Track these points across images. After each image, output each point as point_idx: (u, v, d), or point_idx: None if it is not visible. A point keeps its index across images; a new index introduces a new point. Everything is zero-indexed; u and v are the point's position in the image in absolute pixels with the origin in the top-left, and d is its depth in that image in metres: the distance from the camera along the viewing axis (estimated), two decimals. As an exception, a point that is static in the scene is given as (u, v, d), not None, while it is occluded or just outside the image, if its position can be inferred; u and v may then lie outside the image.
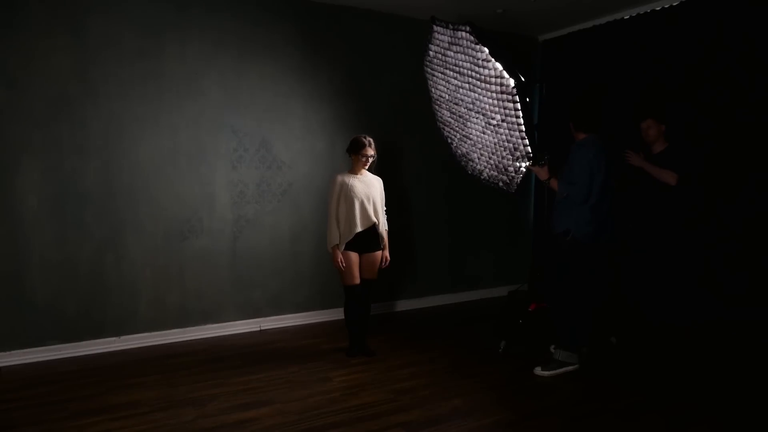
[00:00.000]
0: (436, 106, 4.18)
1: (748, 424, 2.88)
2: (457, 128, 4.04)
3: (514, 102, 3.40)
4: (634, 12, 4.55)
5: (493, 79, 3.45)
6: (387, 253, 3.86)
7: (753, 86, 3.74)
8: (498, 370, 3.58)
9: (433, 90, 4.12)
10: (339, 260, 3.66)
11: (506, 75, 3.39)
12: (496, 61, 3.40)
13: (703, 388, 3.28)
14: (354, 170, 3.76)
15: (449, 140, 4.23)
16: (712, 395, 3.18)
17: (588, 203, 3.41)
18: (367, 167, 3.75)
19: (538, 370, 3.51)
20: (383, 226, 3.82)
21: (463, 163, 4.22)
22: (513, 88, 3.36)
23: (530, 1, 4.45)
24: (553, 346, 3.85)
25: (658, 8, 4.33)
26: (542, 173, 3.65)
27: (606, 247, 3.54)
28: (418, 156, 5.07)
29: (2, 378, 3.46)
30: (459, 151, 4.17)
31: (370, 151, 3.69)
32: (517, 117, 3.44)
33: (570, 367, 3.52)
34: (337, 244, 3.67)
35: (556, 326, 3.62)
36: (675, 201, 3.74)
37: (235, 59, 4.22)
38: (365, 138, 3.72)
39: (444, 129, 4.22)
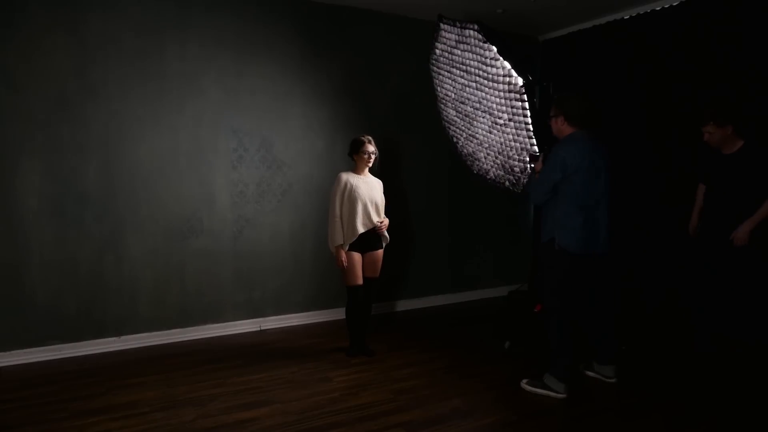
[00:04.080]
0: (442, 105, 4.17)
1: (748, 424, 2.88)
2: (463, 127, 4.03)
3: (522, 101, 3.38)
4: (634, 12, 4.55)
5: (500, 78, 3.45)
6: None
7: (754, 84, 3.74)
8: (498, 370, 3.57)
9: (438, 88, 4.11)
10: (343, 260, 3.65)
11: (514, 74, 3.38)
12: (504, 60, 3.38)
13: (704, 388, 3.27)
14: (357, 171, 3.76)
15: (455, 139, 4.22)
16: (712, 395, 3.18)
17: (540, 203, 3.17)
18: (370, 165, 3.75)
19: (523, 383, 3.29)
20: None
21: (468, 162, 4.21)
22: (521, 87, 3.35)
23: (530, 1, 4.45)
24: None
25: (658, 8, 4.33)
26: (538, 166, 3.43)
27: (600, 258, 3.23)
28: (419, 156, 5.07)
29: (2, 378, 3.46)
30: (465, 150, 4.16)
31: (371, 148, 3.70)
32: (525, 116, 3.42)
33: (553, 394, 3.16)
34: (342, 244, 3.66)
35: (550, 345, 3.27)
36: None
37: (235, 59, 4.22)
38: (364, 136, 3.74)
39: (449, 128, 4.21)
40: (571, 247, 3.12)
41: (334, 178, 3.77)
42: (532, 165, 3.54)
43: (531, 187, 3.26)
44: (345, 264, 3.65)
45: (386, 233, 3.82)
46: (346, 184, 3.67)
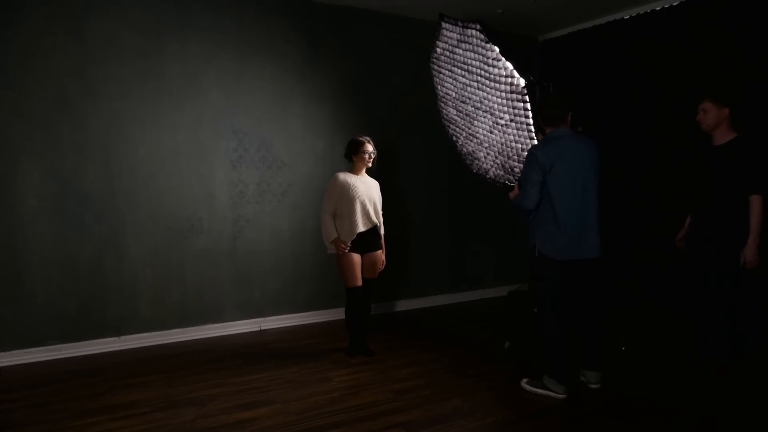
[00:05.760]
0: (442, 104, 4.17)
1: (748, 425, 2.88)
2: (464, 126, 4.03)
3: (524, 102, 3.38)
4: (634, 12, 4.56)
5: (502, 78, 3.45)
6: (384, 256, 3.86)
7: (755, 84, 3.74)
8: (498, 370, 3.57)
9: (439, 87, 4.10)
10: (343, 247, 3.61)
11: (517, 74, 3.38)
12: (507, 60, 3.38)
13: (704, 388, 3.27)
14: (355, 171, 3.76)
15: (454, 138, 4.22)
16: (713, 396, 3.18)
17: (535, 208, 3.02)
18: (370, 165, 3.75)
19: (523, 382, 3.28)
20: (381, 229, 3.83)
21: (468, 161, 4.20)
22: (523, 87, 3.35)
23: (530, 1, 4.45)
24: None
25: (658, 8, 4.33)
26: (514, 194, 3.38)
27: (589, 263, 3.11)
28: (419, 156, 5.07)
29: (2, 378, 3.46)
30: (464, 150, 4.15)
31: (370, 147, 3.71)
32: (527, 117, 3.42)
33: (553, 395, 3.13)
34: (337, 237, 3.64)
35: (545, 347, 3.21)
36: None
37: (235, 59, 4.22)
38: (362, 136, 3.74)
39: (449, 127, 4.21)
40: (552, 253, 3.04)
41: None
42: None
43: (518, 199, 3.18)
44: (346, 250, 3.63)
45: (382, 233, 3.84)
46: (343, 184, 3.67)
